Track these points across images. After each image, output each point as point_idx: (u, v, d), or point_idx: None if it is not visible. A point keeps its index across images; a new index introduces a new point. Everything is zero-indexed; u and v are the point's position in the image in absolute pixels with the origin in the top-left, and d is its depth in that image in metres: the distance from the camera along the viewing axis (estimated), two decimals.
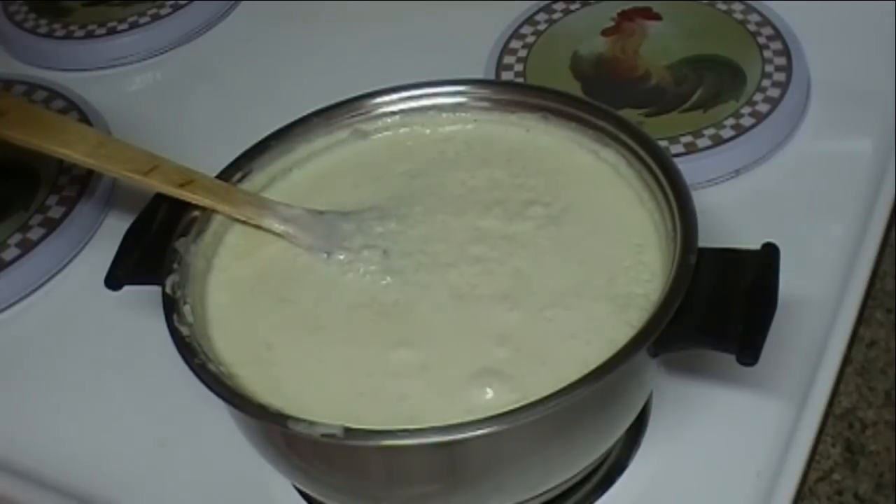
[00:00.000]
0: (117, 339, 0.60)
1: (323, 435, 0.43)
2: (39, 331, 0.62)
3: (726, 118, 0.65)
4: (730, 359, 0.44)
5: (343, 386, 0.47)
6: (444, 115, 0.58)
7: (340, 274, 0.52)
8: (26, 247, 0.64)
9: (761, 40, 0.69)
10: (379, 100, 0.58)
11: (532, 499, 0.48)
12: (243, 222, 0.53)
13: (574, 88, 0.68)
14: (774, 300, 0.46)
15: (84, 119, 0.71)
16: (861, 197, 0.62)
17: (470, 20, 0.76)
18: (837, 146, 0.66)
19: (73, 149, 0.55)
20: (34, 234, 0.64)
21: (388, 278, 0.51)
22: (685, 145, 0.64)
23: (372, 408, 0.46)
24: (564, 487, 0.49)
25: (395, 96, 0.58)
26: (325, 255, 0.52)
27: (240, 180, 0.55)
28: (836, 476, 0.53)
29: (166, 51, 0.79)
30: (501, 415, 0.42)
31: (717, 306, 0.46)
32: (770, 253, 0.47)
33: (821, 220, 0.62)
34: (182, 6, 0.80)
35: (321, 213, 0.54)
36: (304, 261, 0.52)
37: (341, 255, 0.52)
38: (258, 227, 0.53)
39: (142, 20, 0.79)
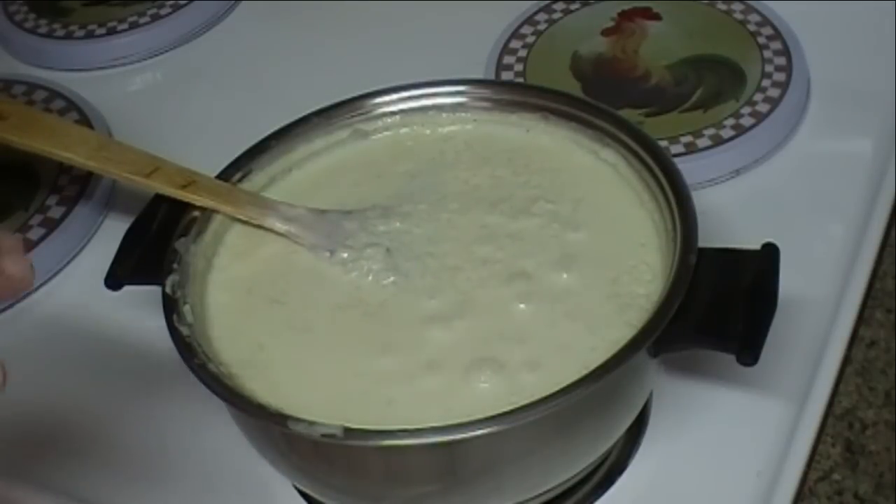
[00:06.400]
0: (117, 339, 0.60)
1: (323, 435, 0.43)
2: (39, 331, 0.62)
3: (726, 118, 0.65)
4: (730, 359, 0.44)
5: (331, 389, 0.47)
6: (444, 115, 0.58)
7: (344, 273, 0.52)
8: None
9: (761, 40, 0.69)
10: (379, 100, 0.58)
11: (532, 499, 0.48)
12: (244, 222, 0.53)
13: (574, 88, 0.68)
14: (774, 300, 0.46)
15: (84, 119, 0.71)
16: (861, 197, 0.62)
17: (470, 20, 0.76)
18: (837, 146, 0.66)
19: (74, 152, 0.55)
20: (34, 234, 0.64)
21: (392, 276, 0.51)
22: (685, 145, 0.64)
23: (361, 411, 0.45)
24: (564, 488, 0.49)
25: (395, 96, 0.58)
26: (328, 254, 0.52)
27: (240, 180, 0.55)
28: (836, 476, 0.53)
29: (166, 51, 0.79)
30: (501, 415, 0.42)
31: (717, 306, 0.46)
32: (770, 253, 0.47)
33: (821, 220, 0.62)
34: (182, 6, 0.80)
35: (323, 212, 0.54)
36: (302, 261, 0.53)
37: (344, 253, 0.52)
38: (260, 227, 0.53)
39: (142, 20, 0.79)
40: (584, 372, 0.44)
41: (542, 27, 0.73)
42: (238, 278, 0.52)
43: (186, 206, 0.52)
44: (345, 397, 0.46)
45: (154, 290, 0.49)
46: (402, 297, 0.50)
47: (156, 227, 0.52)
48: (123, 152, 0.55)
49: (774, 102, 0.65)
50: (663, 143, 0.62)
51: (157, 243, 0.51)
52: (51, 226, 0.65)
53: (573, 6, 0.75)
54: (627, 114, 0.64)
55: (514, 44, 0.72)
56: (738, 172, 0.64)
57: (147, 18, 0.79)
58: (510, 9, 0.75)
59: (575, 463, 0.48)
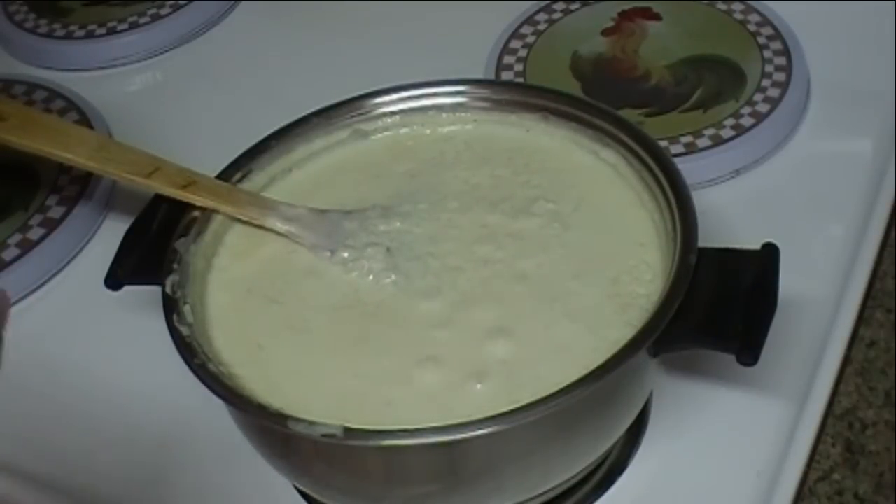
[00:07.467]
0: (117, 339, 0.60)
1: (323, 435, 0.43)
2: (39, 331, 0.62)
3: (726, 118, 0.65)
4: (730, 359, 0.44)
5: (330, 390, 0.47)
6: (444, 115, 0.58)
7: (344, 273, 0.52)
8: (26, 247, 0.64)
9: (761, 40, 0.70)
10: (379, 100, 0.58)
11: (532, 499, 0.48)
12: (244, 222, 0.53)
13: (574, 88, 0.68)
14: (774, 300, 0.46)
15: (84, 119, 0.71)
16: (861, 197, 0.62)
17: (470, 20, 0.76)
18: (837, 146, 0.66)
19: (74, 152, 0.55)
20: (34, 234, 0.64)
21: (393, 276, 0.51)
22: (685, 145, 0.64)
23: (360, 412, 0.45)
24: (564, 488, 0.49)
25: (395, 96, 0.58)
26: (329, 254, 0.52)
27: (240, 180, 0.55)
28: (836, 476, 0.53)
29: (166, 51, 0.79)
30: (501, 415, 0.42)
31: (717, 306, 0.46)
32: (770, 253, 0.47)
33: (821, 220, 0.62)
34: (182, 6, 0.80)
35: (324, 211, 0.54)
36: (302, 261, 0.53)
37: (345, 253, 0.52)
38: (260, 227, 0.53)
39: (142, 20, 0.79)
40: (584, 372, 0.44)
41: (542, 27, 0.73)
42: (238, 278, 0.52)
43: (186, 206, 0.52)
44: (344, 398, 0.46)
45: (154, 290, 0.49)
46: (402, 297, 0.50)
47: (156, 227, 0.52)
48: (123, 152, 0.55)
49: (774, 102, 0.65)
50: (663, 143, 0.62)
51: (157, 243, 0.51)
52: (51, 226, 0.65)
53: (573, 6, 0.75)
54: (627, 114, 0.64)
55: (514, 44, 0.72)
56: (738, 172, 0.64)
57: (147, 18, 0.79)
58: (510, 9, 0.75)
59: (575, 463, 0.48)
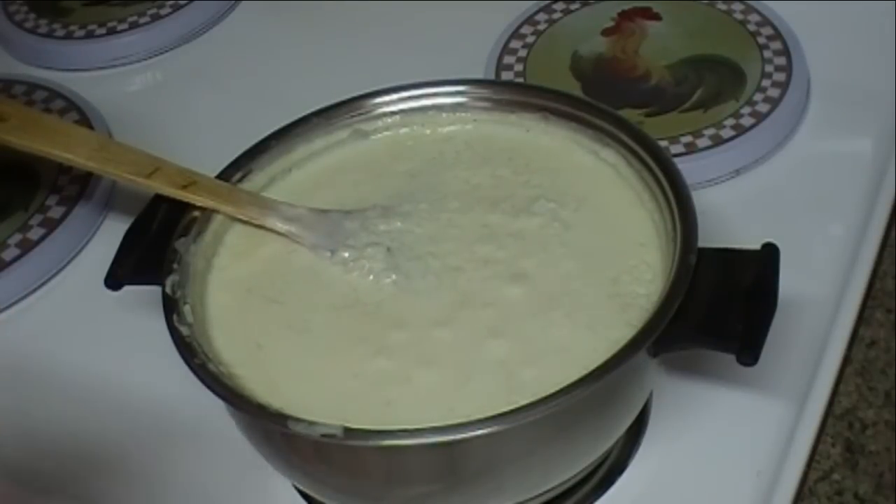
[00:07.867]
0: (117, 339, 0.60)
1: (323, 435, 0.43)
2: (39, 331, 0.62)
3: (726, 118, 0.65)
4: (730, 359, 0.44)
5: (330, 390, 0.47)
6: (444, 115, 0.58)
7: (344, 272, 0.52)
8: (26, 247, 0.64)
9: (761, 40, 0.69)
10: (379, 100, 0.58)
11: (532, 499, 0.48)
12: (244, 222, 0.53)
13: (574, 88, 0.68)
14: (774, 300, 0.46)
15: (84, 119, 0.71)
16: (861, 197, 0.62)
17: (470, 20, 0.76)
18: (837, 146, 0.66)
19: (74, 153, 0.55)
20: (34, 234, 0.64)
21: (393, 275, 0.51)
22: (685, 145, 0.64)
23: (359, 412, 0.45)
24: (564, 488, 0.49)
25: (395, 96, 0.58)
26: (329, 254, 0.52)
27: (240, 180, 0.55)
28: (836, 476, 0.53)
29: (166, 51, 0.79)
30: (501, 415, 0.42)
31: (717, 306, 0.46)
32: (770, 253, 0.47)
33: (821, 220, 0.62)
34: (182, 6, 0.80)
35: (324, 211, 0.54)
36: (302, 260, 0.53)
37: (345, 252, 0.52)
38: (260, 227, 0.53)
39: (142, 20, 0.79)
40: (584, 372, 0.44)
41: (542, 27, 0.73)
42: (238, 278, 0.52)
43: (186, 206, 0.52)
44: (343, 398, 0.46)
45: (154, 290, 0.49)
46: (402, 296, 0.50)
47: (156, 227, 0.52)
48: (124, 153, 0.55)
49: (774, 102, 0.65)
50: (663, 143, 0.62)
51: (157, 243, 0.51)
52: (51, 226, 0.65)
53: (573, 6, 0.75)
54: (627, 114, 0.64)
55: (514, 44, 0.72)
56: (738, 172, 0.64)
57: (147, 18, 0.79)
58: (510, 9, 0.75)
59: (575, 463, 0.48)
